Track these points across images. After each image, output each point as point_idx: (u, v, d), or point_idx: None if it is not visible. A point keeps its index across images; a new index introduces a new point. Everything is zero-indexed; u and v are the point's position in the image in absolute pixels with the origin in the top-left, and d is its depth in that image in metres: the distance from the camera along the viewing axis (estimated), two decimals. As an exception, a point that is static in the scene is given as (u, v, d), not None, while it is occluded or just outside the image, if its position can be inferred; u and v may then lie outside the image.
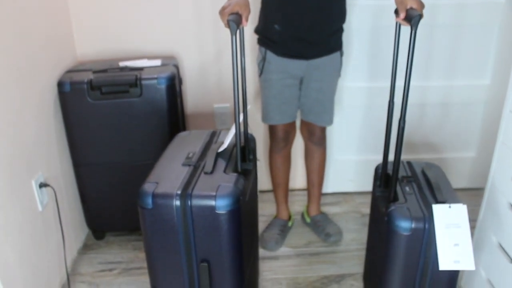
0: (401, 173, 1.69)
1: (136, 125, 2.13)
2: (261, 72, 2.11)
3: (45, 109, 2.02)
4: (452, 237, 1.45)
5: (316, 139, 2.30)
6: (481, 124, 2.64)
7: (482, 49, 2.48)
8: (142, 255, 2.30)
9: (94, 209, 2.32)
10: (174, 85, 2.14)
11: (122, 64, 2.23)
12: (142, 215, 1.45)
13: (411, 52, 1.43)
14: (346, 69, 2.40)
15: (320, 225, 2.41)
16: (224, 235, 1.44)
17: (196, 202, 1.40)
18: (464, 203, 1.48)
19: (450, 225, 1.46)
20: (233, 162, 1.58)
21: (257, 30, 2.11)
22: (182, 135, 1.83)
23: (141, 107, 2.10)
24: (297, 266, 2.22)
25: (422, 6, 1.49)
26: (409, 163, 1.77)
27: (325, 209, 2.57)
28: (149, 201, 1.41)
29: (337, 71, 2.15)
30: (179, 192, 1.41)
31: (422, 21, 2.37)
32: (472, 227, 1.85)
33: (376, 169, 1.78)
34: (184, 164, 1.56)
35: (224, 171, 1.52)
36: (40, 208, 1.90)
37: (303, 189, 2.65)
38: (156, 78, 2.08)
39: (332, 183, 2.74)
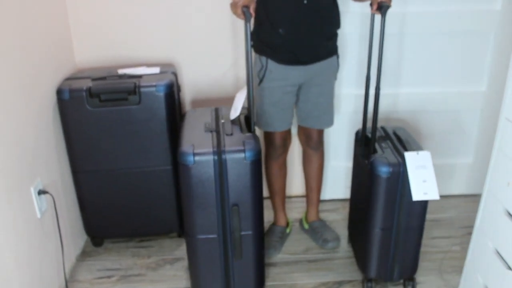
0: (377, 135, 2.06)
1: (135, 132, 2.14)
2: (260, 80, 2.12)
3: (44, 116, 2.03)
4: (420, 175, 1.83)
5: (314, 143, 2.31)
6: (478, 131, 2.65)
7: (478, 56, 2.50)
8: (140, 261, 2.30)
9: (92, 216, 2.32)
10: (172, 92, 2.15)
11: (120, 71, 2.24)
12: (183, 171, 1.77)
13: (382, 35, 1.83)
14: (343, 76, 2.42)
15: (318, 232, 2.42)
16: (250, 180, 1.79)
17: (229, 156, 1.75)
18: (428, 150, 1.87)
19: (419, 166, 1.84)
20: (243, 127, 1.93)
21: (255, 38, 2.10)
22: (190, 112, 2.16)
23: (139, 114, 2.11)
24: (295, 273, 2.22)
25: None
26: (382, 127, 2.15)
27: (323, 215, 2.57)
28: (191, 159, 1.73)
29: (334, 74, 2.19)
30: (215, 149, 1.75)
31: (419, 28, 2.41)
32: (469, 233, 1.88)
33: (357, 133, 2.17)
34: (206, 131, 1.90)
35: (241, 133, 1.88)
36: (38, 215, 1.90)
37: (301, 196, 2.66)
38: (154, 86, 2.09)
39: (330, 190, 2.75)
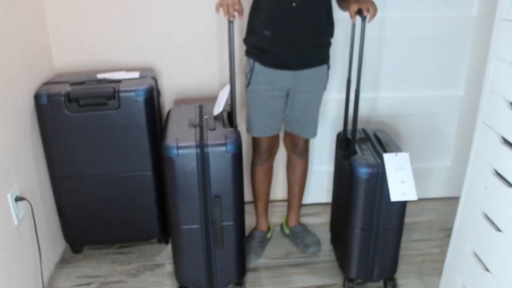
0: (358, 136, 2.12)
1: (114, 138, 2.12)
2: (248, 83, 2.12)
3: (22, 121, 2.00)
4: (399, 176, 1.86)
5: (299, 150, 2.31)
6: (456, 134, 2.69)
7: (455, 61, 2.53)
8: (120, 268, 2.28)
9: (71, 222, 2.29)
10: (152, 97, 2.14)
11: (100, 76, 2.21)
12: (168, 164, 1.84)
13: (362, 40, 1.86)
14: (329, 81, 2.43)
15: (299, 236, 2.42)
16: (232, 172, 1.86)
17: (211, 149, 1.82)
18: (406, 152, 1.90)
19: (397, 168, 1.87)
20: (225, 123, 2.00)
21: (245, 40, 2.12)
22: (174, 109, 2.22)
23: (119, 119, 2.09)
24: (277, 278, 2.22)
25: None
26: (363, 129, 2.18)
27: (304, 219, 2.58)
28: (175, 152, 1.80)
29: (323, 84, 2.17)
30: (198, 143, 1.82)
31: (398, 33, 2.44)
32: (448, 236, 1.91)
33: (338, 135, 2.20)
34: (190, 126, 1.96)
35: (223, 128, 1.95)
36: (15, 222, 1.87)
37: (283, 200, 2.66)
38: (134, 91, 2.07)
39: (312, 194, 2.75)
